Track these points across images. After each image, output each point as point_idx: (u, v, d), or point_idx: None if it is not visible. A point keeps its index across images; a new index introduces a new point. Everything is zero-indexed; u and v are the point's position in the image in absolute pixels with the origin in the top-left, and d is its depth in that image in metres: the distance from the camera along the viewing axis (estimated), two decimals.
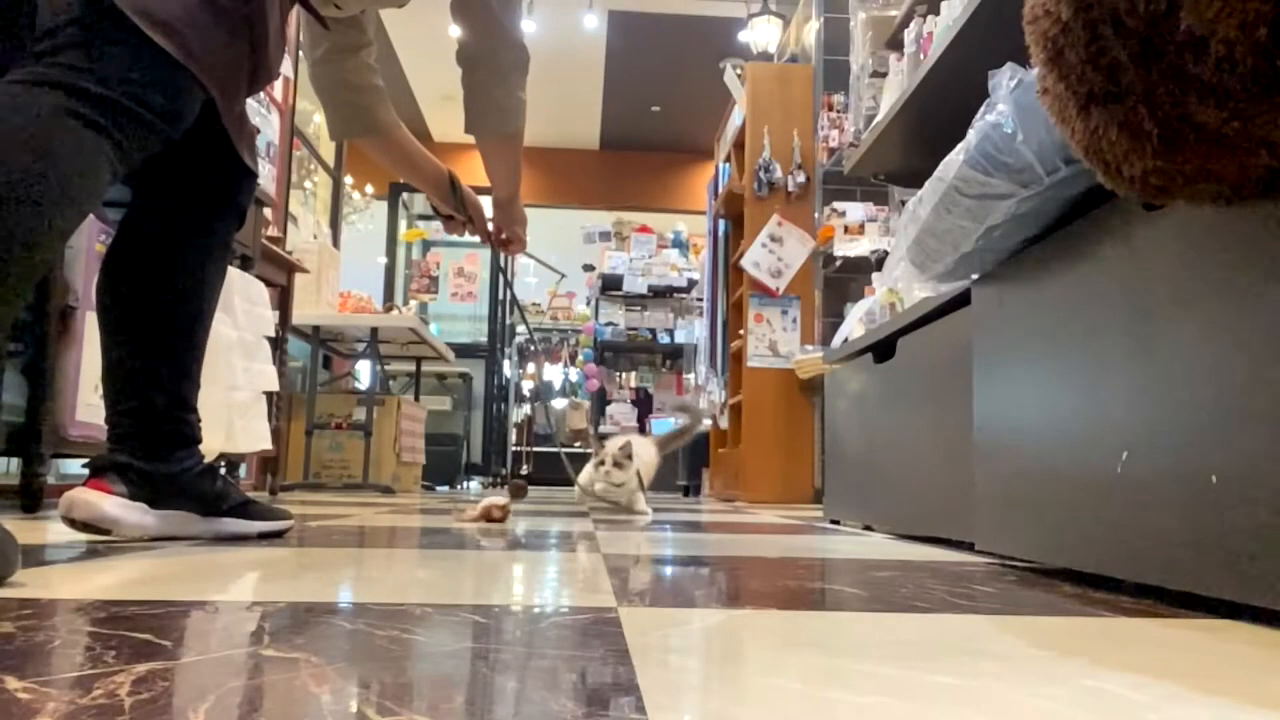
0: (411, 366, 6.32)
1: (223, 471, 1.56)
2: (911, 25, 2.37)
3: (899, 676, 0.58)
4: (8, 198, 1.02)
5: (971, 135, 1.23)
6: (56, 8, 1.13)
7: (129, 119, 1.14)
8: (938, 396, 1.81)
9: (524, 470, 8.03)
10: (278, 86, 4.45)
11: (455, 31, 1.63)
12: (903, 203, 2.74)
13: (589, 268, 9.01)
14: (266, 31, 1.29)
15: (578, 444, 8.62)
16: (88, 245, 2.25)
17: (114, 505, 1.31)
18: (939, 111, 2.12)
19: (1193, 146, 0.78)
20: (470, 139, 1.76)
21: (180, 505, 1.39)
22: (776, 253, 4.97)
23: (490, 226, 1.99)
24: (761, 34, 5.96)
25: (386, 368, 5.63)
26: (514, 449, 8.32)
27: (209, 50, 1.20)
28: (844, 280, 4.68)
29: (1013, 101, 1.15)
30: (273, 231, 4.07)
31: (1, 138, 1.04)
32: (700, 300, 6.55)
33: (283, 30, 1.38)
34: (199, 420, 1.48)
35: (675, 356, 8.45)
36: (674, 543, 1.73)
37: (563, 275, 2.71)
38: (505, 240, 2.00)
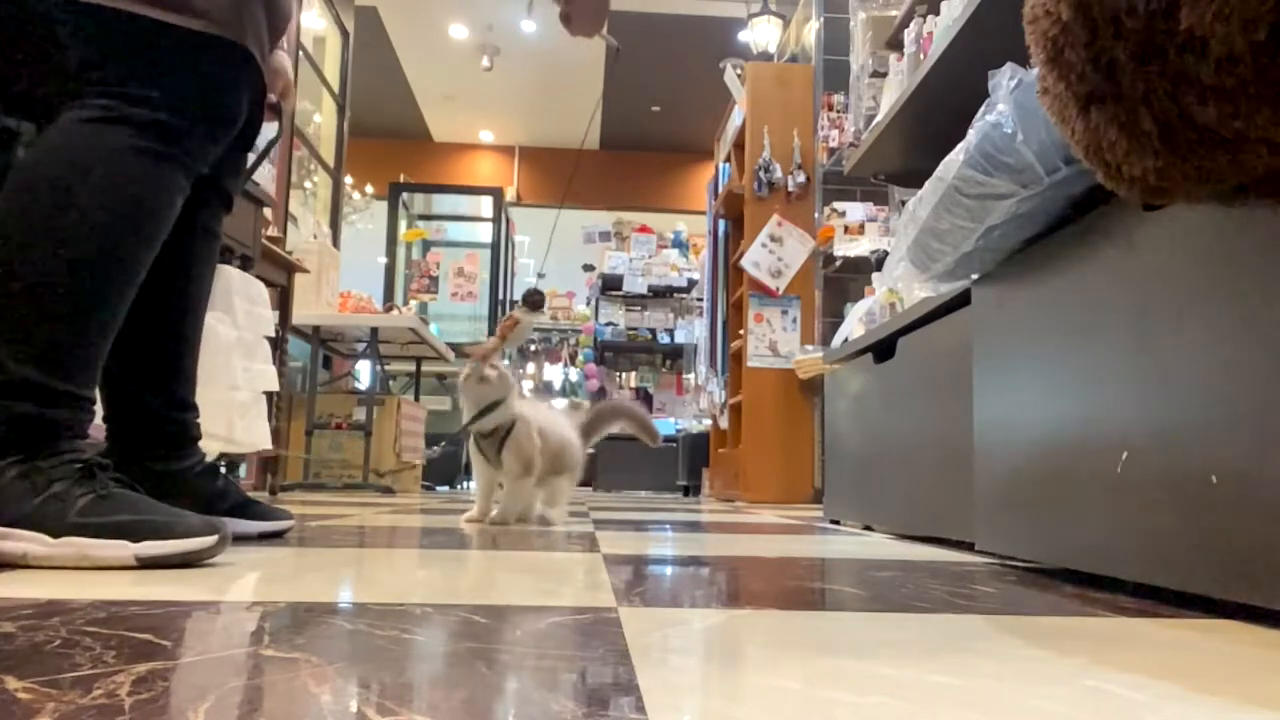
0: (411, 366, 6.32)
1: (224, 471, 1.57)
2: (911, 25, 2.37)
3: (899, 676, 0.58)
4: (101, 248, 1.12)
5: (971, 135, 1.23)
6: (83, 35, 1.16)
7: (196, 139, 1.20)
8: (938, 397, 1.81)
9: None
10: None
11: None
12: (903, 203, 2.74)
13: (589, 268, 9.01)
14: None
15: None
16: None
17: None
18: (939, 111, 2.13)
19: (1193, 146, 0.78)
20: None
21: (181, 503, 1.37)
22: (776, 253, 4.97)
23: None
24: (761, 34, 5.96)
25: (386, 368, 5.63)
26: None
27: (229, 9, 1.21)
28: (844, 280, 4.68)
29: (1013, 101, 1.15)
30: (273, 231, 4.07)
31: (84, 188, 1.13)
32: (700, 300, 6.55)
33: None
34: (197, 418, 1.48)
35: (675, 356, 8.45)
36: (674, 543, 1.73)
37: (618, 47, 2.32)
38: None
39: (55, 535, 1.03)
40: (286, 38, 3.75)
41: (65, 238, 1.10)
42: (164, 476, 1.38)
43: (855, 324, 2.72)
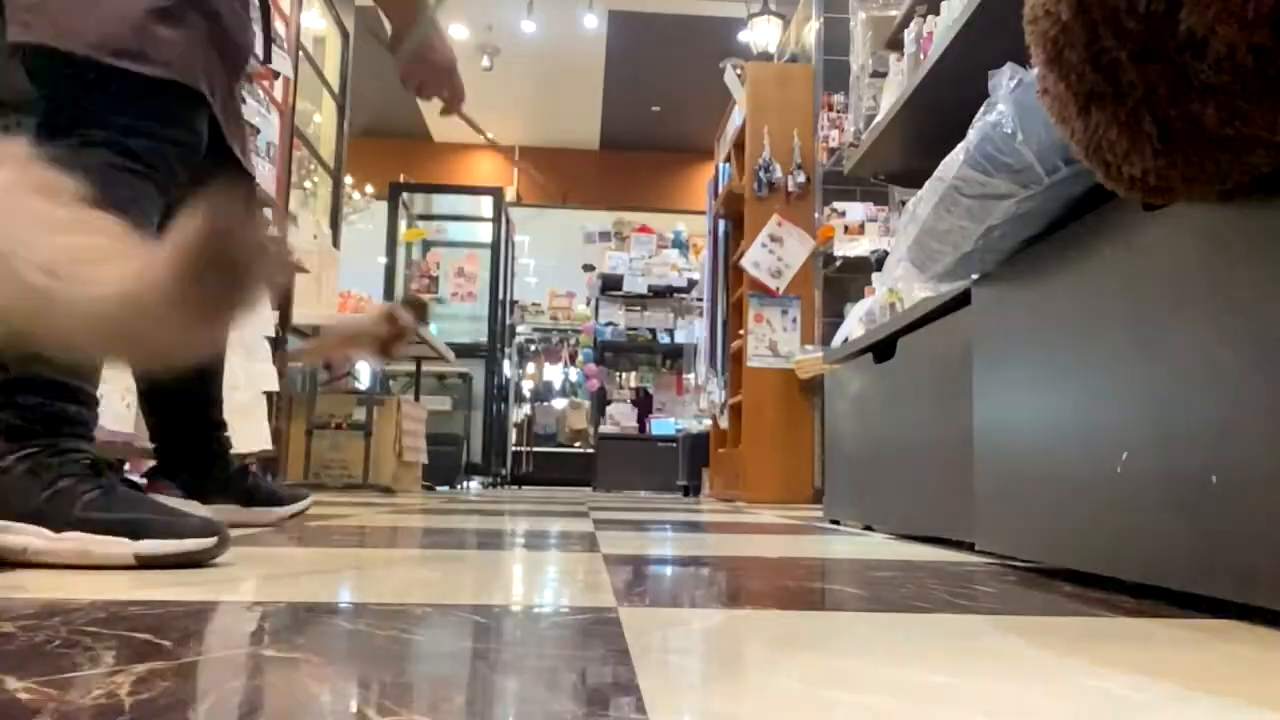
0: (411, 366, 6.31)
1: (254, 469, 1.92)
2: (911, 25, 2.37)
3: (899, 676, 0.58)
4: None
5: (971, 135, 1.23)
6: (52, 78, 1.24)
7: (164, 162, 1.27)
8: (938, 396, 1.81)
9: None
10: (278, 86, 4.45)
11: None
12: (903, 203, 2.74)
13: (589, 268, 9.01)
14: (215, 4, 1.36)
15: (577, 444, 8.62)
16: None
17: (174, 502, 1.50)
18: (939, 111, 2.12)
19: (1193, 146, 0.78)
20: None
21: (225, 500, 1.67)
22: (776, 253, 4.97)
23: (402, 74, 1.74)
24: (761, 34, 5.96)
25: (386, 368, 5.63)
26: (514, 449, 8.34)
27: (171, 50, 1.28)
28: (844, 280, 4.68)
29: (1013, 101, 1.15)
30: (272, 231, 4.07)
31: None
32: (700, 300, 6.55)
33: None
34: (227, 433, 1.74)
35: (675, 356, 8.44)
36: (674, 543, 1.73)
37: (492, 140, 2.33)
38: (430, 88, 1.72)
39: (58, 530, 1.05)
40: (286, 39, 3.72)
41: None
42: (208, 480, 1.66)
43: (855, 324, 2.72)
